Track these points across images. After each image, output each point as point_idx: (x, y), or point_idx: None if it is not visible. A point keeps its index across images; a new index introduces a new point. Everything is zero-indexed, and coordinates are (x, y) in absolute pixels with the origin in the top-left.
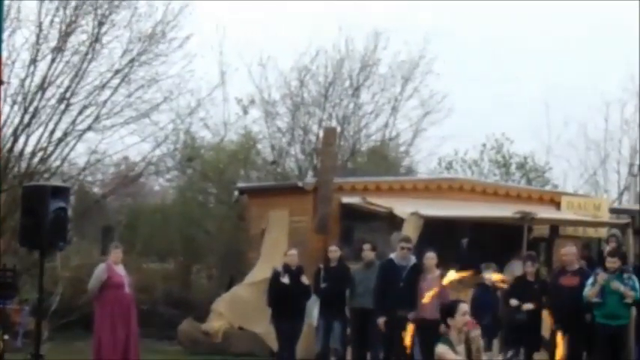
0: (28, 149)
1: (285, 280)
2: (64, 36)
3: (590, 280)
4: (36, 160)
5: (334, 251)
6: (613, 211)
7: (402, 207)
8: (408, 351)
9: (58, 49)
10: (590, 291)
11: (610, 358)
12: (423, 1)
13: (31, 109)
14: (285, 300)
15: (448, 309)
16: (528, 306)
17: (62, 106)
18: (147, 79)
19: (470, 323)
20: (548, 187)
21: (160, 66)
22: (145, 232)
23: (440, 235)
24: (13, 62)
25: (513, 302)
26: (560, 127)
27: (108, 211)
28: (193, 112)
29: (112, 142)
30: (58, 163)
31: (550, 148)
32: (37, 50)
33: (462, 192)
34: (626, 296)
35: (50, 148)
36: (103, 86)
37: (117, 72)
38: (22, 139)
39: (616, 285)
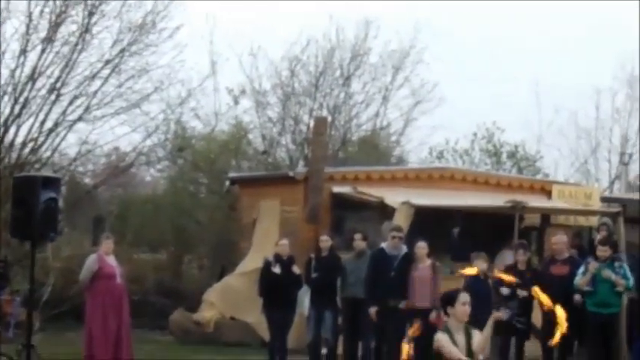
0: (19, 140)
1: (277, 269)
2: (54, 26)
3: (582, 269)
4: (26, 150)
5: (325, 241)
6: (604, 199)
7: (393, 196)
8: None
9: (48, 40)
10: (581, 279)
11: (601, 346)
12: None
13: (22, 99)
14: (276, 290)
15: (448, 298)
16: (522, 293)
17: (52, 97)
18: (137, 70)
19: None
20: (539, 176)
21: (150, 56)
22: (136, 223)
23: (431, 224)
24: (3, 53)
25: (504, 291)
26: (551, 116)
27: (99, 202)
28: (184, 102)
29: (103, 133)
30: (48, 153)
31: (541, 137)
32: (27, 41)
33: (453, 181)
34: (618, 285)
35: (41, 139)
36: (93, 76)
37: (107, 62)
38: (12, 130)
39: (607, 273)
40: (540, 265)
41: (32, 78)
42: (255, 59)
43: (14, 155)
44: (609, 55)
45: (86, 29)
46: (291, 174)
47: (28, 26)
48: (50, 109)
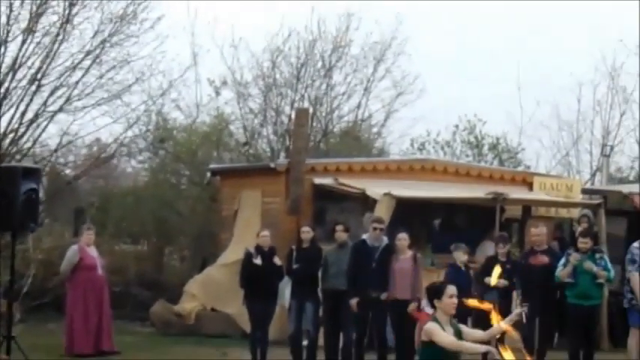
0: None
1: (258, 261)
2: (35, 17)
3: (563, 261)
4: (7, 141)
5: (307, 232)
6: (585, 191)
7: (375, 188)
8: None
9: (29, 30)
10: (562, 271)
11: (582, 337)
12: None
13: (2, 90)
14: (257, 281)
15: (435, 290)
16: (503, 282)
17: (33, 88)
18: (118, 60)
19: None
20: (520, 168)
21: (131, 47)
22: (117, 214)
23: (412, 215)
24: None
25: (488, 280)
26: (532, 108)
27: (80, 193)
28: (165, 94)
29: (84, 124)
30: (29, 144)
31: (522, 129)
32: (8, 31)
33: (434, 173)
34: (599, 276)
35: (21, 130)
36: (74, 67)
37: (88, 53)
38: None
39: (589, 265)
40: (520, 257)
41: (13, 69)
42: (236, 50)
43: None
44: (590, 47)
45: (67, 20)
46: (272, 165)
47: (8, 17)
48: (31, 100)
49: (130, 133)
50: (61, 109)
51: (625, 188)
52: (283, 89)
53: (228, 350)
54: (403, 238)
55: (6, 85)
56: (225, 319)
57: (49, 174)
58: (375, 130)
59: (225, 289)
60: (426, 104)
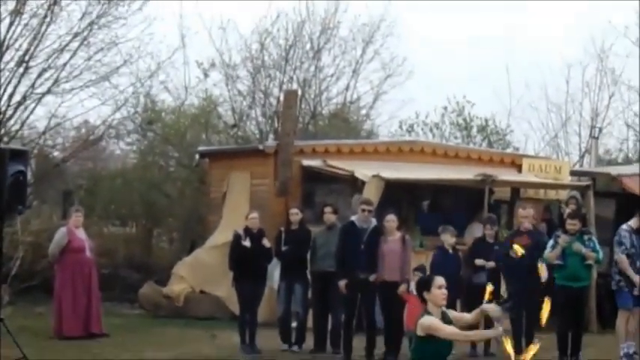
0: None
1: (247, 243)
2: None
3: (551, 242)
4: None
5: (295, 214)
6: (574, 173)
7: (363, 170)
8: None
9: (17, 12)
10: (550, 253)
11: (571, 319)
12: None
13: None
14: (246, 263)
15: (424, 283)
16: (490, 264)
17: (21, 70)
18: (106, 42)
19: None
20: (509, 150)
21: (119, 29)
22: (106, 196)
23: (401, 197)
24: None
25: (479, 262)
26: (521, 90)
27: (68, 175)
28: (153, 76)
29: (72, 106)
30: (17, 126)
31: (511, 110)
32: None
33: (423, 155)
34: (588, 258)
35: (9, 112)
36: (62, 49)
37: (76, 35)
38: None
39: (577, 247)
40: (506, 238)
41: (0, 50)
42: (224, 32)
43: None
44: (579, 28)
45: (55, 2)
46: (261, 147)
47: None
48: (19, 82)
49: (118, 115)
50: (48, 91)
51: (613, 170)
52: (272, 71)
53: (217, 332)
54: (392, 220)
55: None
56: (214, 301)
57: (37, 156)
58: (363, 112)
59: (214, 272)
60: (415, 86)
